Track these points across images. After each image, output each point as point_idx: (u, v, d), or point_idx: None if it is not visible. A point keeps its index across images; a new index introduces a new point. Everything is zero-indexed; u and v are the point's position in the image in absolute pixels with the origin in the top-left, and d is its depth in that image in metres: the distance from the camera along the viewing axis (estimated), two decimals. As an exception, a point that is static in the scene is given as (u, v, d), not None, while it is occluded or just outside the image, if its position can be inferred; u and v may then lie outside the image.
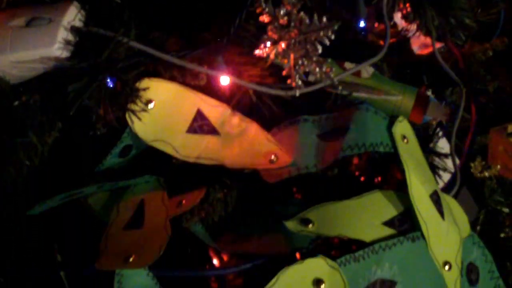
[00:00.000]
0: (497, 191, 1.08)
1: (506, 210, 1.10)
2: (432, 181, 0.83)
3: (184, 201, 0.84)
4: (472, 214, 0.96)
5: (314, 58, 0.75)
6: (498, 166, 1.14)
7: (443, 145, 1.00)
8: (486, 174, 1.12)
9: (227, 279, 0.86)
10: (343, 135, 0.81)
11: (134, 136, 0.85)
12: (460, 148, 1.01)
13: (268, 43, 0.76)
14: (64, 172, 0.90)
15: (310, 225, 0.79)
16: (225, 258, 0.88)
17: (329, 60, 0.79)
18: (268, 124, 0.85)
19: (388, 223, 0.80)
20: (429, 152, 0.95)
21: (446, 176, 0.96)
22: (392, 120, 0.83)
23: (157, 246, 0.77)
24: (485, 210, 1.02)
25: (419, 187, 0.79)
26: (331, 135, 0.83)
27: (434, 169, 0.95)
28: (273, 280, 0.75)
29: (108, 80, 0.75)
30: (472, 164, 1.12)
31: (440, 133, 1.01)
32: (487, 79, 1.12)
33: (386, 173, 0.90)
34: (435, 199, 0.81)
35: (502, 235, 1.01)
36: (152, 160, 0.88)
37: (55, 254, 0.87)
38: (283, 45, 0.76)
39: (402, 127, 0.83)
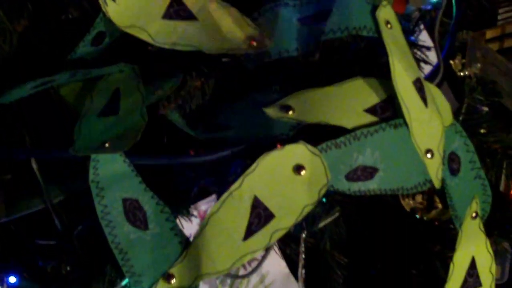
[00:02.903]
0: (476, 90, 1.07)
1: (485, 108, 1.09)
2: (415, 68, 0.81)
3: (160, 89, 0.81)
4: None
5: None
6: (478, 65, 1.13)
7: (424, 38, 0.98)
8: (466, 72, 1.11)
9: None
10: (325, 19, 0.79)
11: (108, 21, 0.81)
12: (441, 44, 0.99)
13: None
14: (34, 61, 0.87)
15: (291, 112, 0.77)
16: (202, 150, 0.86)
17: None
18: (247, 10, 0.83)
19: (370, 110, 0.78)
20: (411, 44, 0.93)
21: (427, 69, 0.95)
22: (375, 5, 0.81)
23: (133, 131, 0.75)
24: (466, 106, 1.01)
25: (402, 73, 0.77)
26: (313, 18, 0.81)
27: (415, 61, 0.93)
28: (253, 166, 0.73)
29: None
30: (452, 62, 1.11)
31: (422, 26, 0.99)
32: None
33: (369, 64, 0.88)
34: (418, 86, 0.79)
35: (481, 130, 1.01)
36: (127, 48, 0.85)
37: (25, 141, 0.84)
38: None
39: (386, 12, 0.80)
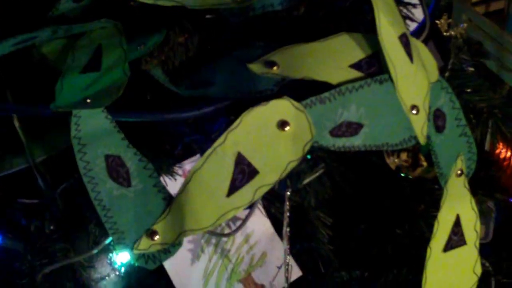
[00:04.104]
0: (463, 49, 1.06)
1: (471, 69, 1.09)
2: (401, 23, 0.80)
3: (142, 45, 0.80)
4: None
5: None
6: (465, 25, 1.13)
7: (410, -4, 0.97)
8: (452, 32, 1.11)
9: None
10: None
11: (90, -24, 0.80)
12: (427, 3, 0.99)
13: None
14: (14, 19, 0.86)
15: (275, 68, 0.76)
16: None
17: None
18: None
19: (356, 66, 0.77)
20: (396, 0, 0.92)
21: (413, 27, 0.94)
22: None
23: (115, 87, 0.74)
24: (452, 65, 1.01)
25: (388, 28, 0.76)
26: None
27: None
28: (236, 122, 0.72)
29: None
30: (438, 22, 1.10)
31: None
32: None
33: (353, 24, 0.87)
34: (404, 41, 0.78)
35: (467, 90, 1.00)
36: (109, 4, 0.84)
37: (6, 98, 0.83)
38: None
39: (372, -34, 0.79)
